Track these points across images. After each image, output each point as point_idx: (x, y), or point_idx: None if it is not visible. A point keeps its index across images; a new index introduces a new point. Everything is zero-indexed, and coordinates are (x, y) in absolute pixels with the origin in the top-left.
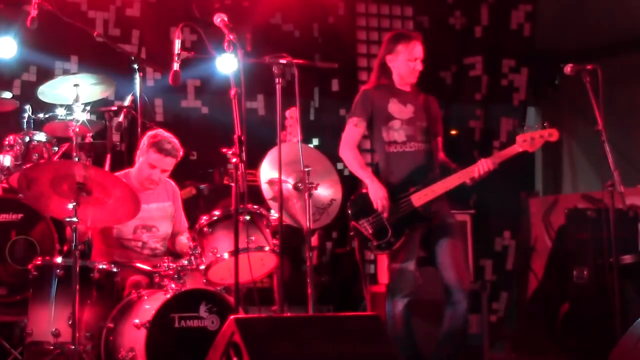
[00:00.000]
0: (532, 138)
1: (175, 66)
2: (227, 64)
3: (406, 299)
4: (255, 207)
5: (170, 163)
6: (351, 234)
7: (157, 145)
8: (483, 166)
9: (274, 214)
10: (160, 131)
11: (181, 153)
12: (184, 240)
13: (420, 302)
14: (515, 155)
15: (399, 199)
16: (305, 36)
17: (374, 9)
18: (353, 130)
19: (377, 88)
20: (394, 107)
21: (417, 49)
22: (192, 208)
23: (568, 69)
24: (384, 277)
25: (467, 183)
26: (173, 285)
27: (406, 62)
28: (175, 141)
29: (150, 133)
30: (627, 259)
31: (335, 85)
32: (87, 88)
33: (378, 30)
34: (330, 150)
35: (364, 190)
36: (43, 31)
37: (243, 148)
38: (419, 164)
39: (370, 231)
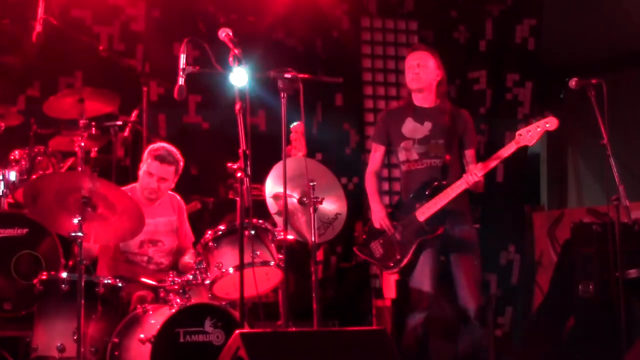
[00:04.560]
0: (528, 131)
1: (181, 81)
2: (232, 78)
3: (422, 314)
4: (260, 221)
5: (167, 171)
6: (365, 257)
7: (154, 153)
8: (473, 174)
9: (282, 229)
10: (160, 143)
11: (181, 164)
12: (188, 260)
13: (434, 317)
14: (517, 151)
15: (404, 216)
16: (308, 50)
17: (379, 23)
18: (373, 156)
19: (394, 110)
20: (408, 126)
21: (415, 55)
22: (197, 222)
23: (573, 83)
24: (389, 292)
25: (476, 189)
26: (178, 300)
27: (406, 70)
28: (174, 150)
29: (151, 145)
30: (633, 273)
31: (339, 100)
32: (92, 103)
33: (383, 44)
34: (334, 165)
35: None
36: (47, 46)
37: (248, 162)
38: (429, 179)
39: (382, 252)
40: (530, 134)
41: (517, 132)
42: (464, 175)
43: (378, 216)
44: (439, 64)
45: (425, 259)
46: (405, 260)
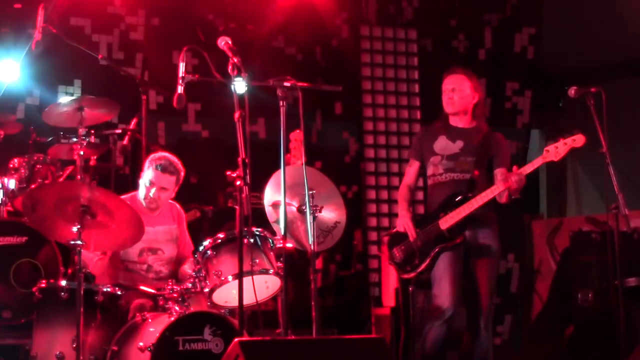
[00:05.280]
0: (556, 147)
1: (180, 89)
2: (231, 87)
3: (440, 323)
4: (259, 230)
5: (167, 181)
6: (388, 262)
7: (154, 163)
8: (499, 186)
9: (281, 237)
10: (161, 152)
11: (182, 173)
12: (187, 270)
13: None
14: (515, 159)
15: (428, 224)
16: (308, 59)
17: (378, 32)
18: (408, 170)
19: (430, 127)
20: (440, 143)
21: (450, 79)
22: (197, 231)
23: (572, 91)
24: (388, 300)
25: (508, 200)
26: (177, 308)
27: (442, 93)
28: (175, 160)
29: (152, 154)
30: (632, 281)
31: (338, 108)
32: (92, 111)
33: (382, 53)
34: (333, 173)
35: None
36: (47, 55)
37: (247, 171)
38: (453, 191)
39: (402, 256)
40: (557, 150)
41: (545, 148)
42: (497, 183)
43: (402, 221)
44: (476, 85)
45: (447, 268)
46: (423, 266)
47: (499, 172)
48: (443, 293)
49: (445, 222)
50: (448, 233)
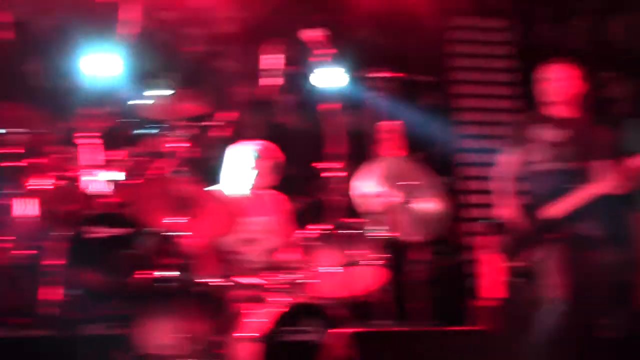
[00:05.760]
0: None
1: (273, 81)
2: (325, 78)
3: (549, 314)
4: (358, 221)
5: (262, 166)
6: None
7: (250, 150)
8: (612, 178)
9: (378, 229)
10: (255, 140)
11: (278, 160)
12: (286, 259)
13: None
14: None
15: (536, 213)
16: (399, 50)
17: (471, 21)
18: (507, 158)
19: (531, 115)
20: (544, 131)
21: (557, 68)
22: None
23: None
24: (489, 292)
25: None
26: (277, 299)
27: (549, 83)
28: (271, 146)
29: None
30: None
31: (433, 99)
32: (186, 104)
33: (474, 43)
34: (431, 164)
35: None
36: (143, 48)
37: (342, 162)
38: (558, 181)
39: (512, 245)
40: None
41: None
42: (608, 176)
43: (509, 209)
44: (581, 75)
45: (558, 258)
46: (536, 255)
47: (606, 165)
48: (555, 284)
49: (556, 212)
50: (558, 223)
